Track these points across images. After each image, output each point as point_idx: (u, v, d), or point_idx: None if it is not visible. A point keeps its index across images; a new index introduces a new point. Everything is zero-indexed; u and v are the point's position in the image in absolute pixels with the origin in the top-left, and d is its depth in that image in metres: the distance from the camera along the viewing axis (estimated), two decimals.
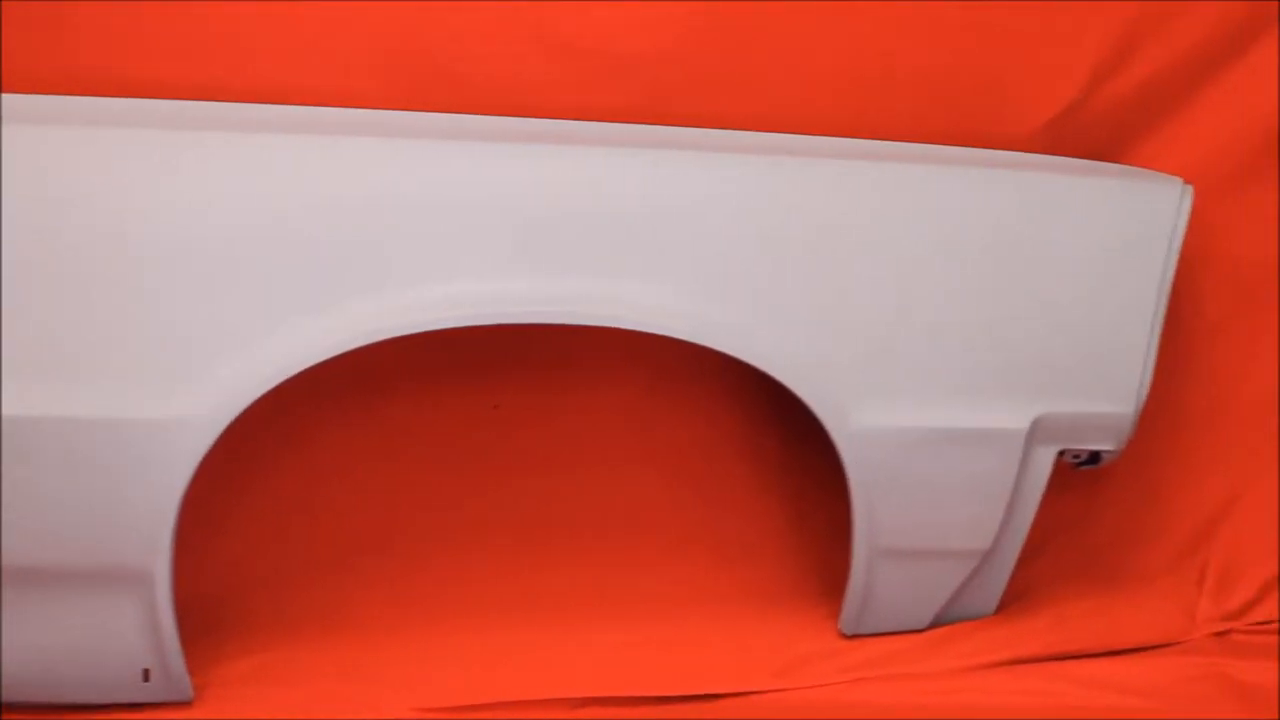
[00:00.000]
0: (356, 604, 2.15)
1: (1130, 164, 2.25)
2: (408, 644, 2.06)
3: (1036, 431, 2.04)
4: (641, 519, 2.34)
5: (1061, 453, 2.10)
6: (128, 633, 1.82)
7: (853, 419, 1.96)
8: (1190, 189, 2.03)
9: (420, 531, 2.28)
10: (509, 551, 2.27)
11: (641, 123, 2.08)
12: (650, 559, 2.30)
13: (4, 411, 1.69)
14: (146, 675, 1.85)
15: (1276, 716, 2.01)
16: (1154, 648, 2.20)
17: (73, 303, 1.70)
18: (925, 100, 2.19)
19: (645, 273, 1.86)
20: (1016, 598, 2.23)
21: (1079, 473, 2.21)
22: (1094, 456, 2.13)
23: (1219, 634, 2.27)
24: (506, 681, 1.97)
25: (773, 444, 2.41)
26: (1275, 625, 2.30)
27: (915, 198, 1.94)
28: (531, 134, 1.96)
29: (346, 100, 2.02)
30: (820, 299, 1.93)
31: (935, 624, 2.16)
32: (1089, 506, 2.41)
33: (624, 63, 2.10)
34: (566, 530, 2.30)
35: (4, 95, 1.85)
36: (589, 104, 2.09)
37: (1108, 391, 2.06)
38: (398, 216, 1.78)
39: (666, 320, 1.87)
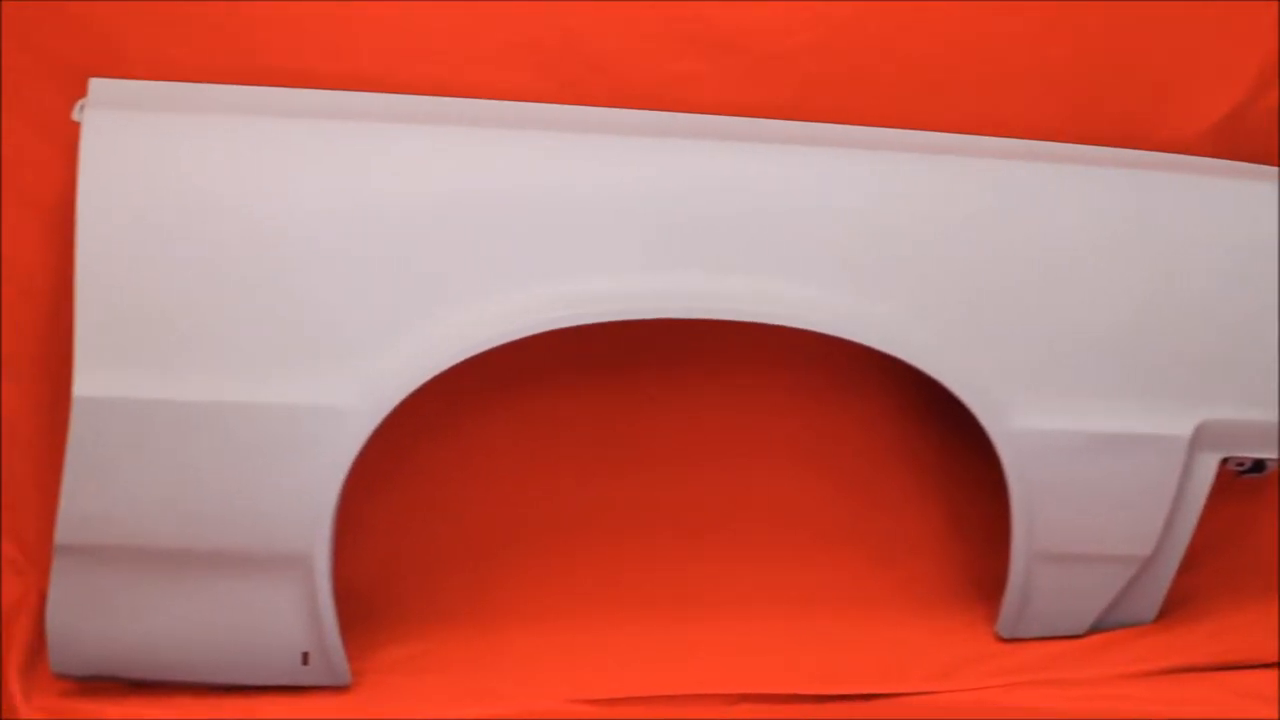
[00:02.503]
0: (509, 595, 2.17)
1: None
2: (560, 636, 2.08)
3: (1199, 438, 2.01)
4: (797, 516, 2.34)
5: (1225, 460, 2.07)
6: (288, 616, 1.85)
7: (1013, 420, 1.96)
8: None
9: (573, 523, 2.29)
10: (663, 545, 2.28)
11: (791, 119, 2.08)
12: (806, 556, 2.29)
13: (174, 397, 1.74)
14: (306, 659, 1.88)
15: None
16: None
17: (242, 293, 1.75)
18: (1087, 100, 2.18)
19: (798, 269, 1.87)
20: (1177, 606, 2.19)
21: (1242, 481, 2.17)
22: (1258, 465, 2.10)
23: None
24: (659, 675, 1.98)
25: (930, 444, 2.40)
26: None
27: (1077, 198, 1.94)
28: (688, 129, 1.98)
29: (501, 94, 2.04)
30: (977, 298, 1.93)
31: (1094, 629, 2.14)
32: (1252, 515, 2.37)
33: (775, 59, 2.12)
34: (721, 525, 2.31)
35: (149, 82, 1.89)
36: (740, 100, 2.11)
37: (1273, 399, 2.03)
38: (555, 209, 1.82)
39: (819, 316, 1.88)
